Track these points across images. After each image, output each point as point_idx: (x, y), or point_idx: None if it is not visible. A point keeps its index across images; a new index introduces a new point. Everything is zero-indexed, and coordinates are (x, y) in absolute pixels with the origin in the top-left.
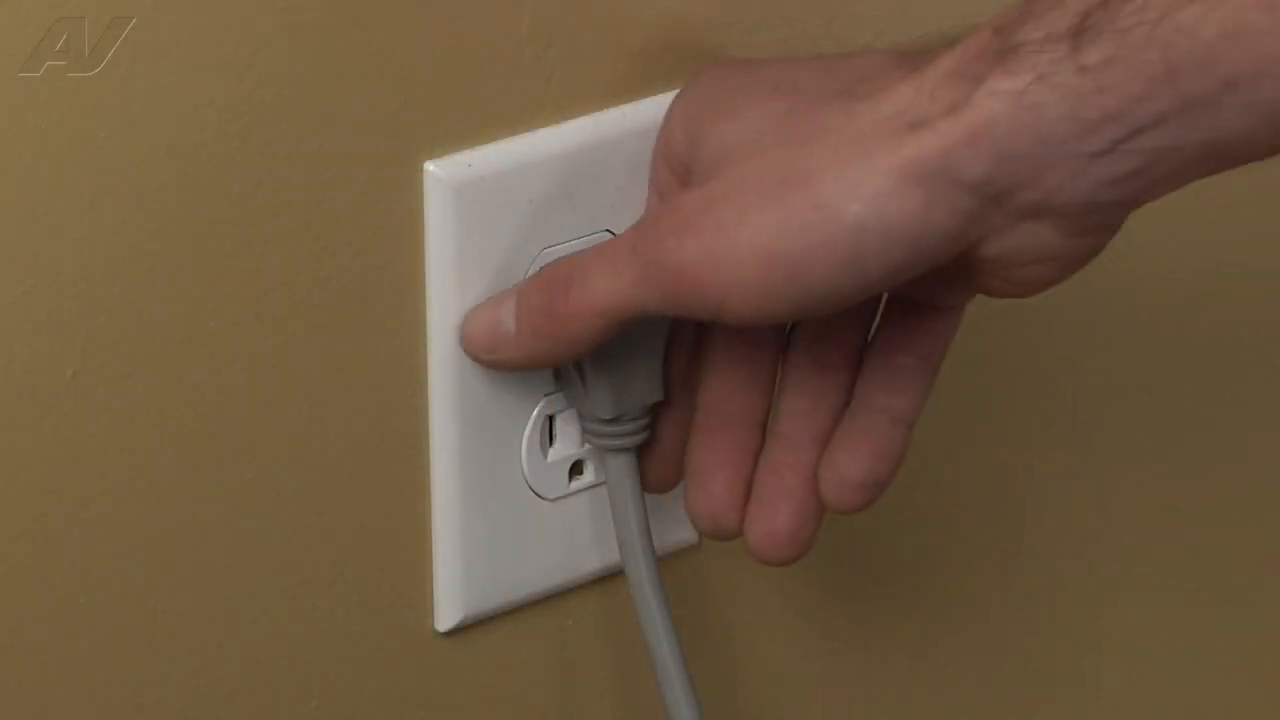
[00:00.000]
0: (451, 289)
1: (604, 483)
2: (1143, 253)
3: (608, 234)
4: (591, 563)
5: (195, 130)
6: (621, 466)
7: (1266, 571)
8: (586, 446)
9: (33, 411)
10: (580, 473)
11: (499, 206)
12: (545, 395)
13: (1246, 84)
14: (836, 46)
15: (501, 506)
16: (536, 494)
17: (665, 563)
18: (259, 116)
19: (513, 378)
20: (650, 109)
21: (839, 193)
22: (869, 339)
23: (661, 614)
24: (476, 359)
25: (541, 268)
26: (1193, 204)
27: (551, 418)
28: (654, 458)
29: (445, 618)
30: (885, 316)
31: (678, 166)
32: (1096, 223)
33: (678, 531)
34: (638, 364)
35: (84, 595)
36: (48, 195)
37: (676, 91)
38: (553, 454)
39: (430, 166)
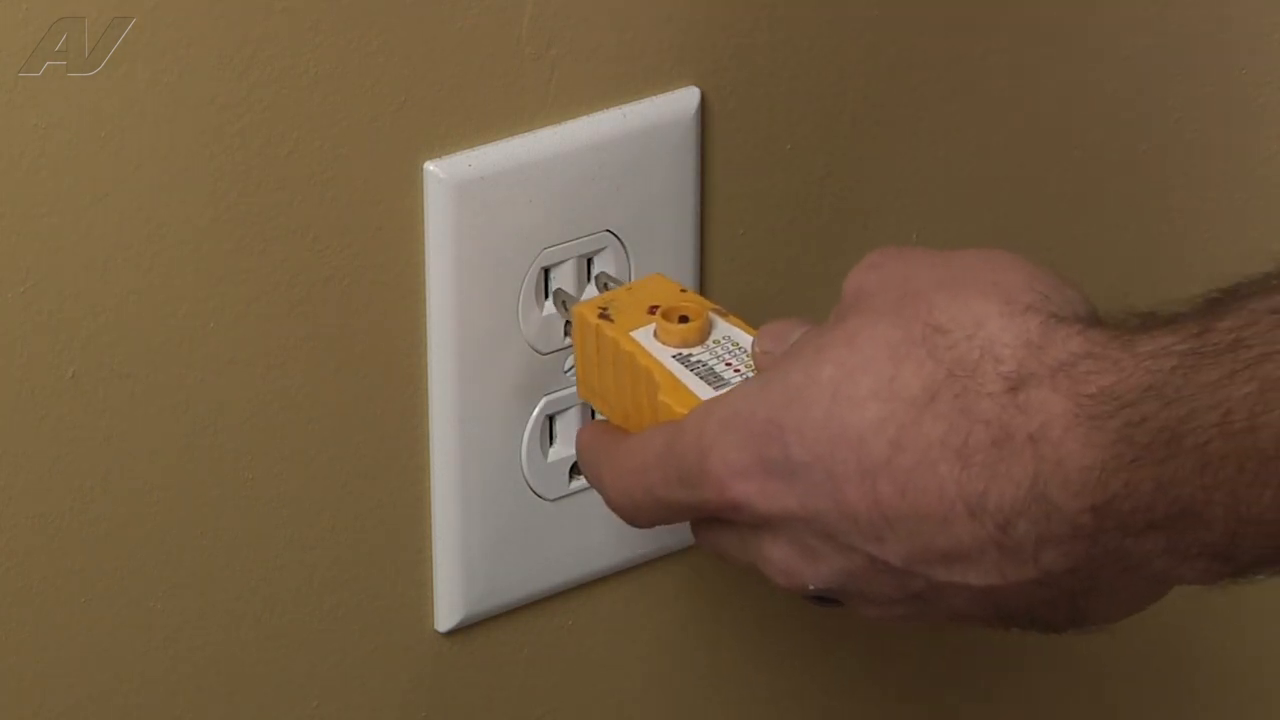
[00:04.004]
0: (451, 289)
1: None
2: None
3: (608, 234)
4: (591, 563)
5: (195, 130)
6: None
7: None
8: None
9: (33, 411)
10: (580, 473)
11: (499, 206)
12: (545, 395)
13: None
14: (834, 44)
15: (501, 506)
16: (536, 494)
17: (665, 563)
18: (259, 116)
19: (513, 378)
20: (650, 109)
21: None
22: None
23: None
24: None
25: None
26: None
27: (551, 418)
28: None
29: (445, 618)
30: None
31: None
32: None
33: (678, 532)
34: None
35: (84, 595)
36: (48, 195)
37: (674, 92)
38: (553, 454)
39: (430, 166)
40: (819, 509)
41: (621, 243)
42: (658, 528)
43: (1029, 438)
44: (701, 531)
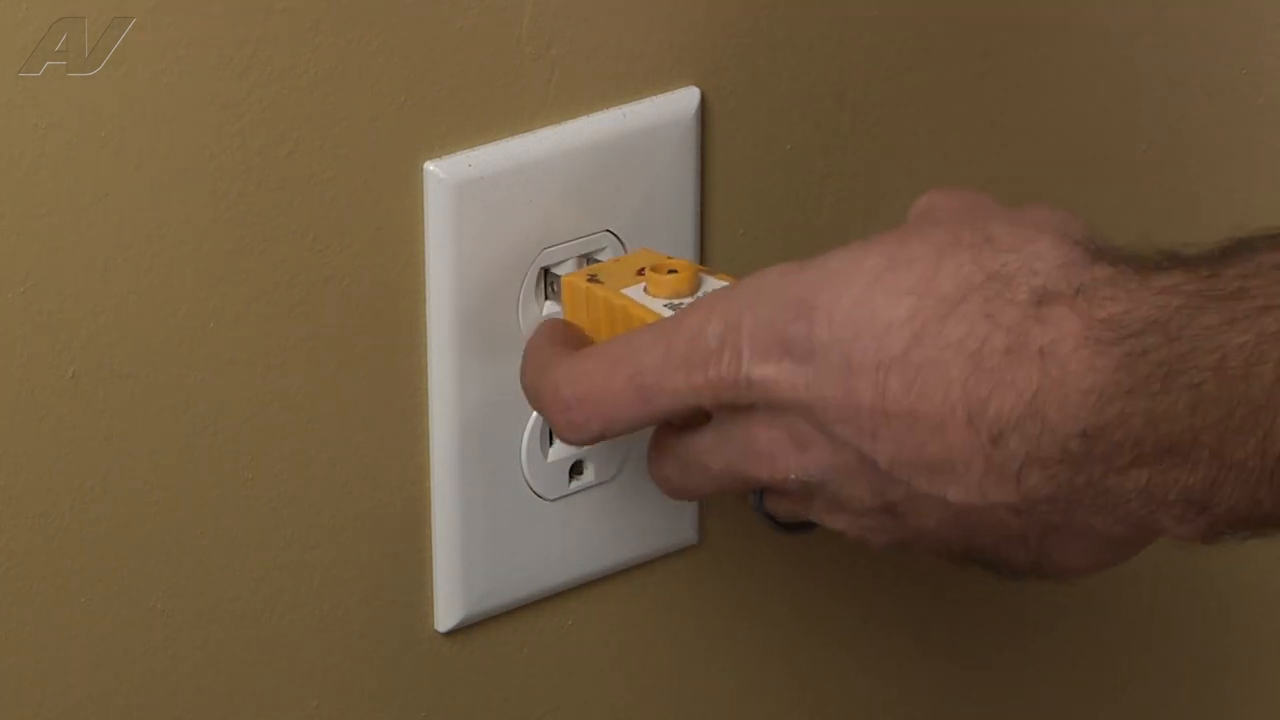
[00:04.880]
0: (451, 289)
1: (604, 482)
2: None
3: (608, 234)
4: (591, 563)
5: (195, 130)
6: None
7: None
8: (585, 446)
9: (33, 411)
10: (580, 473)
11: (499, 206)
12: None
13: None
14: (834, 44)
15: (501, 506)
16: (536, 494)
17: (665, 562)
18: (259, 116)
19: (513, 378)
20: (650, 109)
21: None
22: None
23: None
24: None
25: None
26: None
27: None
28: None
29: (445, 618)
30: None
31: None
32: None
33: (678, 532)
34: None
35: (84, 595)
36: (48, 195)
37: (674, 92)
38: (553, 454)
39: (430, 166)
40: (823, 396)
41: (621, 243)
42: (653, 531)
43: (1039, 350)
44: (670, 441)
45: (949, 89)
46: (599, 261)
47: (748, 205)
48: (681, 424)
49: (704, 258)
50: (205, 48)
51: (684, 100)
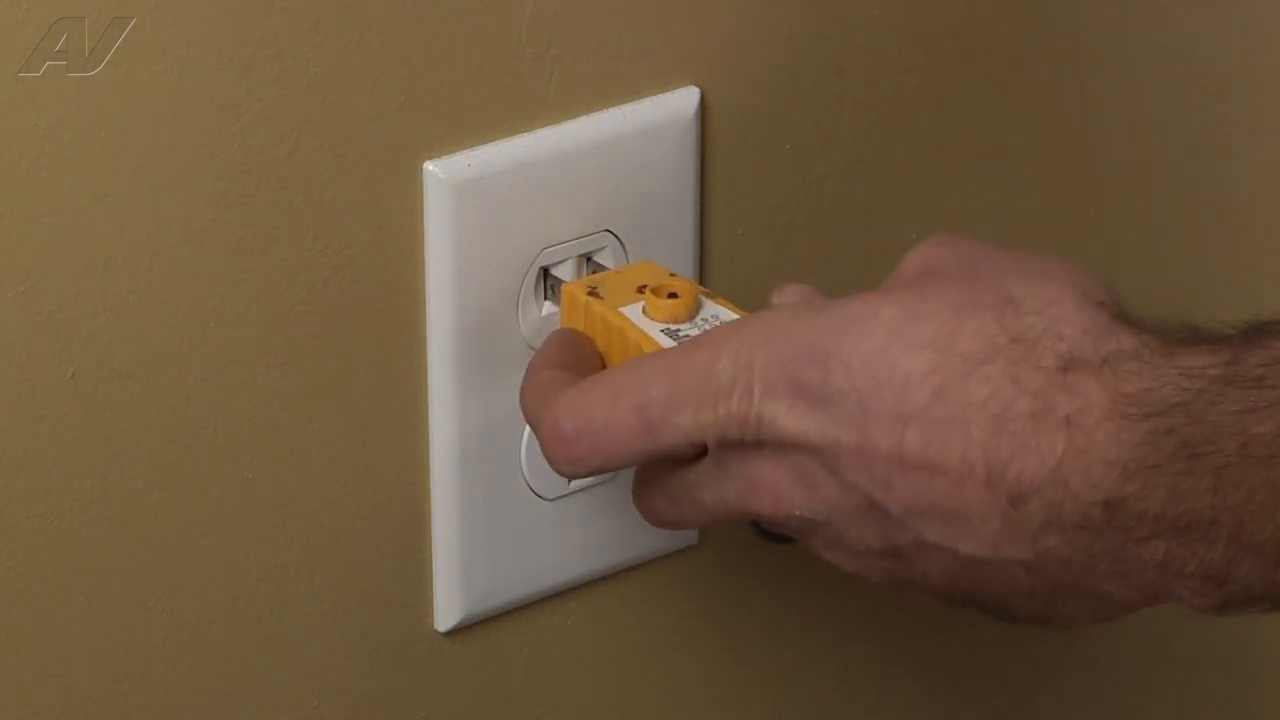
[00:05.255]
0: (451, 289)
1: (604, 482)
2: None
3: (608, 234)
4: (591, 563)
5: (195, 130)
6: None
7: None
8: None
9: (33, 411)
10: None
11: (499, 206)
12: None
13: None
14: (834, 44)
15: (501, 506)
16: (536, 494)
17: (665, 563)
18: (259, 116)
19: (513, 378)
20: (650, 109)
21: None
22: None
23: None
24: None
25: None
26: None
27: None
28: None
29: (445, 618)
30: None
31: None
32: None
33: (678, 532)
34: None
35: (83, 595)
36: (48, 195)
37: (674, 92)
38: None
39: (430, 166)
40: (838, 440)
41: (621, 242)
42: (653, 531)
43: (1065, 418)
44: (660, 473)
45: (949, 89)
46: (598, 262)
47: (748, 205)
48: (673, 457)
49: (704, 257)
50: (205, 48)
51: (684, 100)
